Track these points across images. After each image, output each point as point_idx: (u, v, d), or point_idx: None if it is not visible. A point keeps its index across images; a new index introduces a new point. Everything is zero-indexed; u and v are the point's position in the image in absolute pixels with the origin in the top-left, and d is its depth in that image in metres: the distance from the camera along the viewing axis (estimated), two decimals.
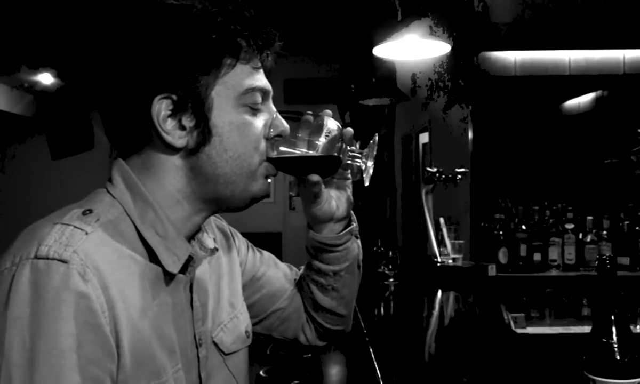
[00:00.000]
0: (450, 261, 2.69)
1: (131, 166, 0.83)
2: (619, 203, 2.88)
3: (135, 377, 0.75)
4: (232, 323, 0.97)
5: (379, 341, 1.63)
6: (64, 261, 0.71)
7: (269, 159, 0.87)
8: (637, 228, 2.77)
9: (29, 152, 7.12)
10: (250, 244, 1.13)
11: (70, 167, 6.88)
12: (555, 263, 2.79)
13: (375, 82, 4.14)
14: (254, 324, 1.06)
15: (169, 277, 0.82)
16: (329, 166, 0.91)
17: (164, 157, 0.82)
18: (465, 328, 1.98)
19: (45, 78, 5.91)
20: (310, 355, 2.78)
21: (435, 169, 2.77)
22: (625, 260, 2.74)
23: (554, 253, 2.78)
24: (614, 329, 0.87)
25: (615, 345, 0.86)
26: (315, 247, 1.03)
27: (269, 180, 0.89)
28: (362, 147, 0.94)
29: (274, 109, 0.89)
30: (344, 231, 1.02)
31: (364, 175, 0.92)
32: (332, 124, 0.89)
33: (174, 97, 0.79)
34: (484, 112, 3.28)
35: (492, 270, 2.65)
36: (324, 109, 0.93)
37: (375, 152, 0.92)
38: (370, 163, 0.92)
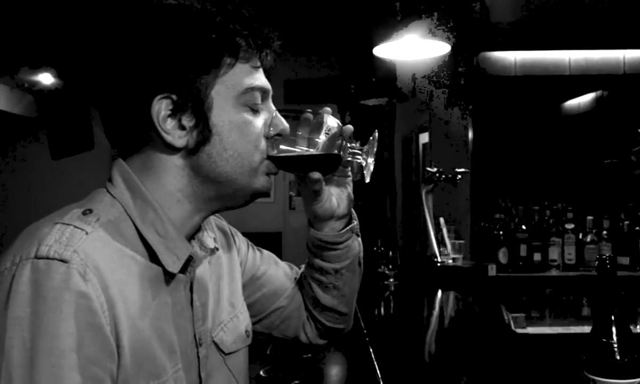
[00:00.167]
0: (450, 261, 2.69)
1: (131, 166, 0.83)
2: (619, 203, 2.88)
3: (136, 377, 0.75)
4: (232, 322, 0.97)
5: (379, 341, 1.63)
6: (64, 261, 0.71)
7: (270, 158, 0.87)
8: (637, 228, 2.77)
9: (29, 152, 7.12)
10: (250, 243, 1.13)
11: (70, 167, 6.88)
12: (555, 263, 2.79)
13: (375, 82, 4.14)
14: (254, 323, 1.06)
15: (169, 277, 0.82)
16: (330, 163, 0.91)
17: (164, 157, 0.82)
18: (465, 328, 1.98)
19: (45, 78, 5.91)
20: (310, 355, 2.78)
21: (435, 169, 2.77)
22: (625, 260, 2.74)
23: (554, 253, 2.78)
24: (614, 329, 0.87)
25: (615, 345, 0.86)
26: (316, 245, 1.03)
27: (270, 178, 0.89)
28: (362, 146, 0.94)
29: (274, 108, 0.89)
30: (345, 229, 1.02)
31: (365, 171, 0.92)
32: (331, 122, 0.89)
33: (174, 97, 0.80)
34: (484, 112, 3.28)
35: (492, 270, 2.65)
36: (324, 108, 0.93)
37: (375, 149, 0.92)
38: (370, 160, 0.92)
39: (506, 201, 2.92)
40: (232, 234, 1.07)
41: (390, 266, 2.53)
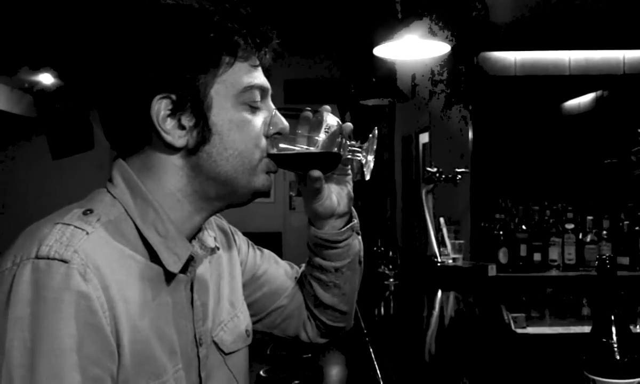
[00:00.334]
0: (450, 261, 2.69)
1: (131, 166, 0.83)
2: (619, 203, 2.88)
3: (136, 377, 0.75)
4: (233, 322, 0.97)
5: (379, 341, 1.63)
6: (64, 261, 0.71)
7: (270, 156, 0.87)
8: (637, 228, 2.77)
9: (29, 152, 7.12)
10: (250, 242, 1.13)
11: (70, 167, 6.88)
12: (555, 263, 2.79)
13: (375, 82, 4.14)
14: (255, 323, 1.07)
15: (169, 276, 0.83)
16: (330, 161, 0.91)
17: (164, 157, 0.83)
18: (465, 328, 1.98)
19: (45, 78, 5.91)
20: (310, 355, 2.78)
21: (435, 169, 2.77)
22: (625, 260, 2.74)
23: (554, 253, 2.78)
24: (614, 329, 0.87)
25: (615, 345, 0.86)
26: (317, 244, 1.03)
27: (270, 177, 0.89)
28: (362, 144, 0.94)
29: (273, 106, 0.89)
30: (345, 227, 1.02)
31: (365, 169, 0.93)
32: (331, 120, 0.89)
33: (173, 96, 0.80)
34: (484, 112, 3.28)
35: (492, 270, 2.65)
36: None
37: (375, 146, 0.92)
38: (370, 157, 0.92)
39: (506, 201, 2.92)
40: (232, 233, 1.07)
41: (390, 266, 2.53)
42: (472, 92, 3.18)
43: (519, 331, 1.82)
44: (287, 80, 6.42)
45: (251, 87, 0.84)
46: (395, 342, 1.76)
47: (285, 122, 0.87)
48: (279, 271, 1.12)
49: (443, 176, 2.74)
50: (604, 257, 0.87)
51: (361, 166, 0.93)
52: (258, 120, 0.86)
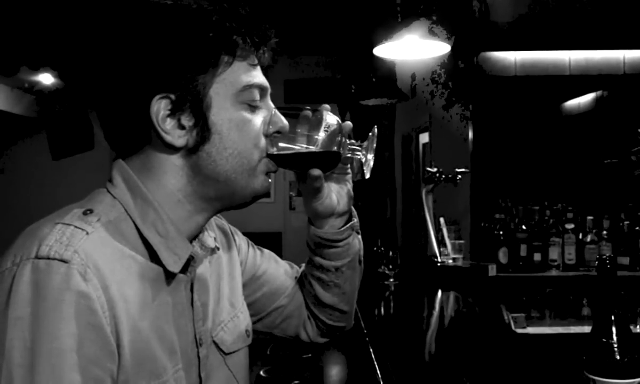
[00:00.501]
0: (451, 261, 2.69)
1: (131, 167, 0.83)
2: (619, 203, 2.88)
3: (136, 377, 0.75)
4: (233, 322, 0.97)
5: (379, 341, 1.63)
6: (64, 261, 0.71)
7: (269, 156, 0.87)
8: (637, 228, 2.77)
9: (29, 152, 7.12)
10: (250, 242, 1.13)
11: (70, 167, 6.88)
12: (556, 263, 2.79)
13: (375, 82, 4.14)
14: (255, 322, 1.07)
15: (169, 277, 0.83)
16: (329, 160, 0.91)
17: (164, 157, 0.83)
18: (465, 328, 1.98)
19: (45, 78, 5.91)
20: (310, 355, 2.78)
21: (435, 169, 2.77)
22: (625, 260, 2.74)
23: (554, 253, 2.78)
24: (614, 329, 0.87)
25: (615, 345, 0.86)
26: (317, 243, 1.03)
27: (270, 178, 0.89)
28: (361, 143, 0.94)
29: (273, 105, 0.89)
30: (345, 226, 1.02)
31: (365, 167, 0.93)
32: (330, 119, 0.89)
33: (173, 96, 0.80)
34: (484, 112, 3.28)
35: (492, 270, 2.65)
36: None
37: (375, 145, 0.92)
38: (370, 156, 0.92)
39: (506, 201, 2.92)
40: (232, 233, 1.07)
41: (390, 266, 2.53)
42: (472, 92, 3.19)
43: (519, 331, 1.82)
44: (287, 80, 6.42)
45: (250, 86, 0.84)
46: (395, 342, 1.76)
47: (284, 121, 0.87)
48: (279, 271, 1.12)
49: (443, 176, 2.74)
50: (604, 257, 0.87)
51: (361, 164, 0.93)
52: (257, 119, 0.86)
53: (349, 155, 0.92)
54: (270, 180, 0.89)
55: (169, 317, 0.82)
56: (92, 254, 0.73)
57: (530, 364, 1.46)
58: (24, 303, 0.69)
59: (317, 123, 0.89)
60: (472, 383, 1.37)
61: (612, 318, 0.87)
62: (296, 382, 2.55)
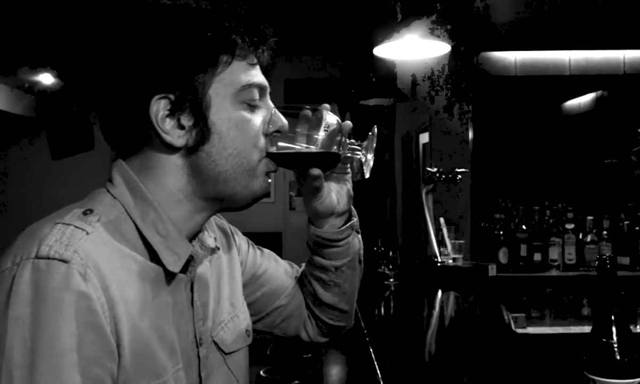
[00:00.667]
0: (451, 261, 2.69)
1: (131, 167, 0.83)
2: (619, 203, 2.88)
3: (136, 377, 0.75)
4: (233, 322, 0.97)
5: (379, 341, 1.63)
6: (64, 261, 0.71)
7: (269, 155, 0.87)
8: (637, 228, 2.77)
9: (29, 152, 7.12)
10: (250, 241, 1.13)
11: (70, 167, 6.88)
12: (556, 263, 2.79)
13: (375, 82, 4.14)
14: (255, 322, 1.07)
15: (169, 276, 0.83)
16: (329, 159, 0.91)
17: (164, 157, 0.83)
18: (465, 328, 1.98)
19: (45, 78, 5.90)
20: (310, 355, 2.78)
21: (435, 169, 2.77)
22: (625, 260, 2.75)
23: (554, 253, 2.78)
24: (614, 329, 0.87)
25: (615, 345, 0.86)
26: (317, 243, 1.03)
27: (269, 179, 0.89)
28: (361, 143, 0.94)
29: (272, 105, 0.89)
30: (345, 226, 1.02)
31: (364, 167, 0.93)
32: (330, 118, 0.89)
33: (172, 96, 0.80)
34: (484, 112, 3.28)
35: (492, 270, 2.65)
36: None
37: (374, 145, 0.92)
38: (370, 156, 0.92)
39: (506, 201, 2.92)
40: (232, 233, 1.07)
41: (390, 266, 2.53)
42: (472, 92, 3.19)
43: (519, 331, 1.82)
44: (287, 80, 6.42)
45: (249, 86, 0.84)
46: (395, 342, 1.76)
47: (284, 120, 0.87)
48: (279, 271, 1.12)
49: (443, 176, 2.74)
50: (604, 257, 0.87)
51: (361, 164, 0.93)
52: (257, 119, 0.86)
53: (348, 155, 0.92)
54: (270, 180, 0.89)
55: (169, 317, 0.82)
56: (92, 254, 0.73)
57: (530, 364, 1.46)
58: (24, 302, 0.69)
59: (317, 123, 0.89)
60: (472, 383, 1.37)
61: (612, 318, 0.87)
62: (296, 382, 2.55)
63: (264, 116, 0.87)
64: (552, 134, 3.30)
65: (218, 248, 0.97)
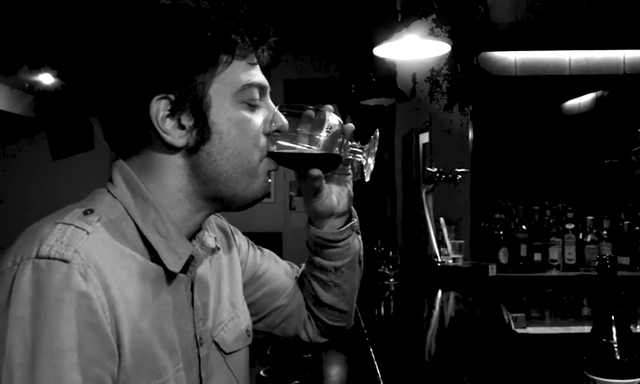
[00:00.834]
0: (451, 261, 2.69)
1: (131, 167, 0.83)
2: (619, 203, 2.88)
3: (137, 377, 0.75)
4: (233, 322, 0.97)
5: (379, 341, 1.63)
6: (65, 261, 0.71)
7: (270, 154, 0.87)
8: (637, 228, 2.77)
9: (29, 152, 7.12)
10: (250, 241, 1.13)
11: (70, 167, 6.88)
12: (556, 263, 2.79)
13: (375, 82, 4.14)
14: (255, 322, 1.07)
15: (170, 276, 0.83)
16: (330, 161, 0.91)
17: (165, 157, 0.83)
18: (465, 328, 1.98)
19: (45, 78, 5.91)
20: (310, 355, 2.78)
21: (435, 169, 2.77)
22: (625, 260, 2.74)
23: (554, 253, 2.78)
24: (614, 329, 0.87)
25: (615, 345, 0.86)
26: (316, 243, 1.03)
27: (270, 179, 0.89)
28: (363, 145, 0.94)
29: (273, 104, 0.89)
30: (345, 227, 1.02)
31: (365, 170, 0.93)
32: (333, 119, 0.90)
33: (172, 97, 0.80)
34: (484, 112, 3.28)
35: (492, 270, 2.65)
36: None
37: (376, 148, 0.92)
38: (371, 159, 0.92)
39: (506, 201, 2.92)
40: (232, 233, 1.07)
41: (391, 266, 2.53)
42: (472, 92, 3.18)
43: (519, 331, 1.82)
44: (287, 80, 6.42)
45: (250, 85, 0.84)
46: (395, 342, 1.76)
47: (284, 120, 0.87)
48: (279, 271, 1.12)
49: (443, 176, 2.74)
50: (604, 257, 0.87)
51: (361, 167, 0.93)
52: (257, 118, 0.86)
53: (350, 157, 0.92)
54: (270, 180, 0.89)
55: (169, 317, 0.82)
56: (92, 254, 0.73)
57: (530, 364, 1.46)
58: (24, 302, 0.69)
59: (319, 123, 0.89)
60: (472, 383, 1.37)
61: (612, 318, 0.87)
62: (296, 382, 2.55)
63: (264, 115, 0.87)
64: (552, 134, 3.30)
65: (218, 248, 0.97)
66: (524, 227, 2.80)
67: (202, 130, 0.81)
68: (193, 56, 0.80)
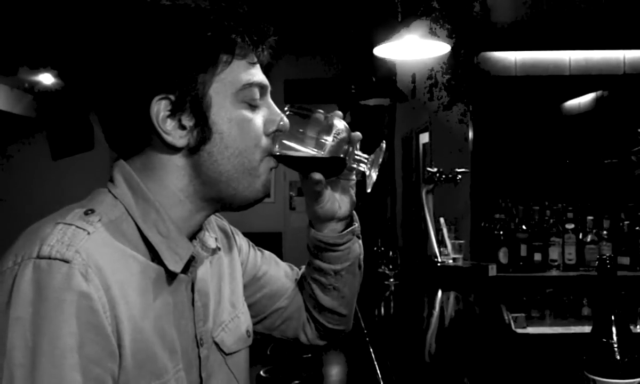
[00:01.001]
0: (451, 261, 2.69)
1: (132, 167, 0.83)
2: (619, 203, 2.88)
3: (137, 377, 0.75)
4: (233, 322, 0.97)
5: (379, 341, 1.63)
6: (66, 261, 0.71)
7: (274, 155, 0.87)
8: (637, 228, 2.77)
9: (29, 152, 7.12)
10: (251, 243, 1.13)
11: (70, 167, 6.88)
12: (556, 263, 2.79)
13: (375, 82, 4.14)
14: (254, 324, 1.06)
15: (170, 277, 0.83)
16: (334, 166, 0.91)
17: (165, 158, 0.83)
18: (465, 328, 1.98)
19: (45, 78, 5.91)
20: (310, 355, 2.78)
21: (435, 169, 2.77)
22: (625, 260, 2.75)
23: (554, 253, 2.78)
24: (614, 329, 0.87)
25: (615, 345, 0.86)
26: (316, 246, 1.03)
27: (270, 176, 0.89)
28: (361, 148, 0.94)
29: (273, 104, 0.89)
30: (345, 231, 1.02)
31: (367, 181, 0.93)
32: (341, 126, 0.90)
33: (172, 97, 0.80)
34: (484, 112, 3.28)
35: (492, 270, 2.65)
36: (324, 109, 0.93)
37: (380, 160, 0.92)
38: (374, 170, 0.92)
39: (506, 201, 2.92)
40: (233, 234, 1.07)
41: (391, 266, 2.53)
42: (472, 92, 3.18)
43: (519, 331, 1.82)
44: (287, 80, 6.41)
45: (250, 85, 0.84)
46: (395, 342, 1.76)
47: (285, 120, 0.87)
48: (280, 273, 1.12)
49: (443, 176, 2.74)
50: (604, 257, 0.87)
51: (363, 176, 0.94)
52: (258, 118, 0.86)
53: (354, 166, 0.93)
54: (271, 181, 0.89)
55: (169, 317, 0.82)
56: (93, 254, 0.73)
57: (530, 364, 1.46)
58: (25, 302, 0.69)
59: (327, 128, 0.89)
60: (472, 383, 1.37)
61: (612, 318, 0.88)
62: (296, 382, 2.55)
63: (264, 115, 0.87)
64: (552, 134, 3.30)
65: (219, 249, 0.97)
66: (524, 227, 2.80)
67: (203, 130, 0.81)
68: (193, 56, 0.80)
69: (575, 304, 2.44)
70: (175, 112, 0.80)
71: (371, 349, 1.52)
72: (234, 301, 0.99)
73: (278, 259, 1.16)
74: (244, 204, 0.88)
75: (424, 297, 2.45)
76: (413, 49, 2.82)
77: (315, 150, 0.88)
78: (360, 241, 1.08)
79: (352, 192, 1.00)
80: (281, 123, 0.87)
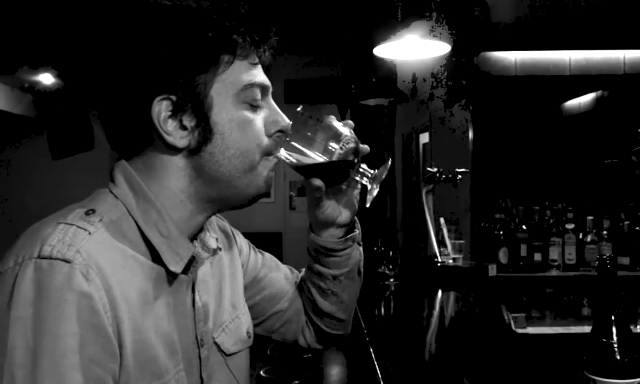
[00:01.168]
0: (451, 261, 2.69)
1: (133, 167, 0.83)
2: (619, 203, 2.88)
3: (138, 378, 0.75)
4: (234, 323, 0.97)
5: (379, 341, 1.63)
6: (67, 261, 0.71)
7: (279, 157, 0.87)
8: (637, 228, 2.77)
9: (29, 152, 7.12)
10: (251, 245, 1.13)
11: (70, 167, 6.88)
12: (556, 263, 2.79)
13: (375, 82, 4.14)
14: (254, 326, 1.06)
15: (171, 277, 0.83)
16: (337, 175, 0.91)
17: (167, 158, 0.83)
18: (465, 328, 1.98)
19: (45, 78, 5.90)
20: (310, 355, 2.78)
21: (435, 169, 2.77)
22: (625, 260, 2.75)
23: (554, 253, 2.78)
24: (614, 329, 0.87)
25: (615, 345, 0.86)
26: (316, 250, 1.03)
27: (272, 173, 0.89)
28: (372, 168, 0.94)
29: (275, 104, 0.89)
30: (345, 237, 1.02)
31: (368, 196, 0.93)
32: (350, 136, 0.90)
33: (173, 97, 0.80)
34: (484, 112, 3.28)
35: (492, 270, 2.65)
36: (324, 109, 0.93)
37: (384, 176, 0.92)
38: (376, 186, 0.92)
39: (506, 201, 2.92)
40: (233, 235, 1.07)
41: (391, 266, 2.53)
42: (472, 92, 3.18)
43: (519, 331, 1.82)
44: (287, 80, 6.41)
45: (251, 85, 0.84)
46: (395, 342, 1.76)
47: (287, 121, 0.87)
48: (280, 275, 1.12)
49: (443, 176, 2.74)
50: (604, 257, 0.88)
51: (364, 185, 0.94)
52: (259, 118, 0.86)
53: (357, 178, 0.93)
54: (271, 179, 0.89)
55: (170, 318, 0.82)
56: (94, 254, 0.73)
57: (530, 364, 1.46)
58: (26, 302, 0.69)
59: (337, 136, 0.89)
60: (472, 383, 1.37)
61: (612, 318, 0.88)
62: (296, 382, 2.55)
63: (266, 115, 0.87)
64: (552, 134, 3.30)
65: (220, 249, 0.97)
66: (524, 227, 2.80)
67: (204, 130, 0.81)
68: (194, 56, 0.80)
69: (575, 304, 2.44)
70: (176, 112, 0.80)
71: (371, 349, 1.52)
72: (234, 302, 0.99)
73: (278, 262, 1.16)
74: (244, 203, 0.88)
75: (424, 297, 2.45)
76: (413, 49, 2.82)
77: (322, 156, 0.88)
78: (361, 248, 1.07)
79: (355, 200, 1.00)
80: (283, 124, 0.87)
